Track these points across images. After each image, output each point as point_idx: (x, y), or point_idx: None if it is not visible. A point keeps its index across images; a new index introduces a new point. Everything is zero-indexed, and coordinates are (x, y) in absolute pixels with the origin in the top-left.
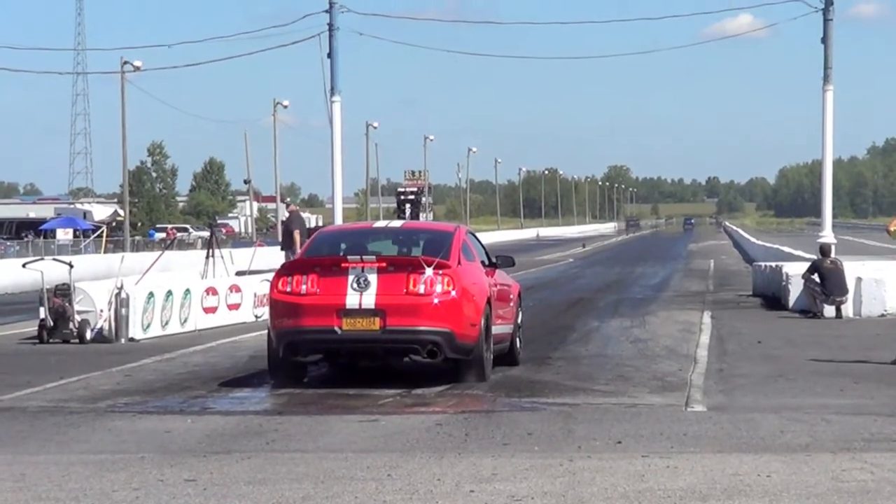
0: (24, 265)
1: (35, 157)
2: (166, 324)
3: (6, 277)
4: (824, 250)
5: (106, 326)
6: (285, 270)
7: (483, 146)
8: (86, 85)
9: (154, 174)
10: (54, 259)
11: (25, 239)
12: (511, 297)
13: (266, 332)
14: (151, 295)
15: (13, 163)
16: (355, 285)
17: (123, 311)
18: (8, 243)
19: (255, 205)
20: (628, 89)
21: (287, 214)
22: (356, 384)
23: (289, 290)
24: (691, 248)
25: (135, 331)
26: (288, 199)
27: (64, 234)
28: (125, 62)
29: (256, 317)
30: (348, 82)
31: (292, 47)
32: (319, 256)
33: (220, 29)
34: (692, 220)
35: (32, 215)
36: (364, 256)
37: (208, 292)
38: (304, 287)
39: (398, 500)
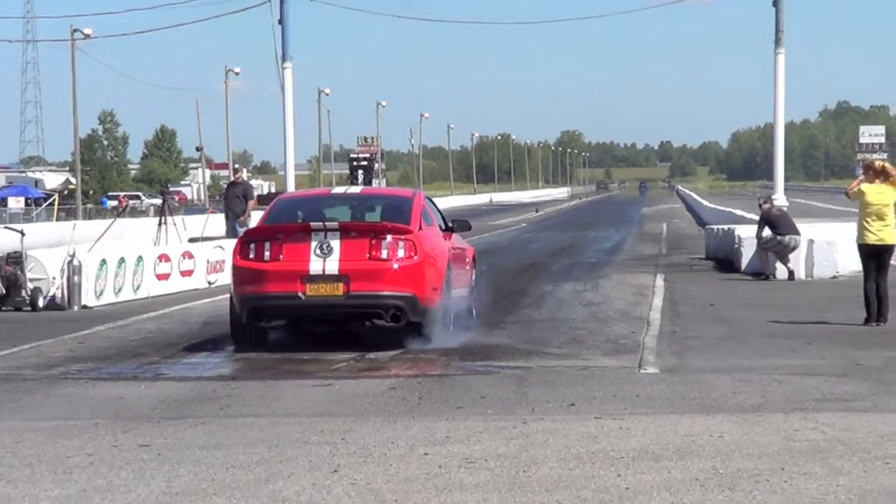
0: None
1: None
2: (119, 291)
3: None
4: (766, 202)
5: (58, 294)
6: (248, 237)
7: (435, 112)
8: (36, 53)
9: (105, 142)
10: (6, 227)
11: None
12: (466, 260)
13: (228, 297)
14: (104, 262)
15: None
16: (318, 251)
17: (76, 278)
18: None
19: (208, 172)
20: (580, 54)
21: (236, 180)
22: (310, 349)
23: (251, 256)
24: (644, 211)
25: (87, 298)
26: (237, 166)
27: (15, 203)
28: (75, 30)
29: (209, 283)
30: (300, 49)
31: (244, 14)
32: (281, 223)
33: None
34: (646, 184)
35: None
36: (327, 223)
37: (161, 259)
38: (267, 253)
39: (352, 463)
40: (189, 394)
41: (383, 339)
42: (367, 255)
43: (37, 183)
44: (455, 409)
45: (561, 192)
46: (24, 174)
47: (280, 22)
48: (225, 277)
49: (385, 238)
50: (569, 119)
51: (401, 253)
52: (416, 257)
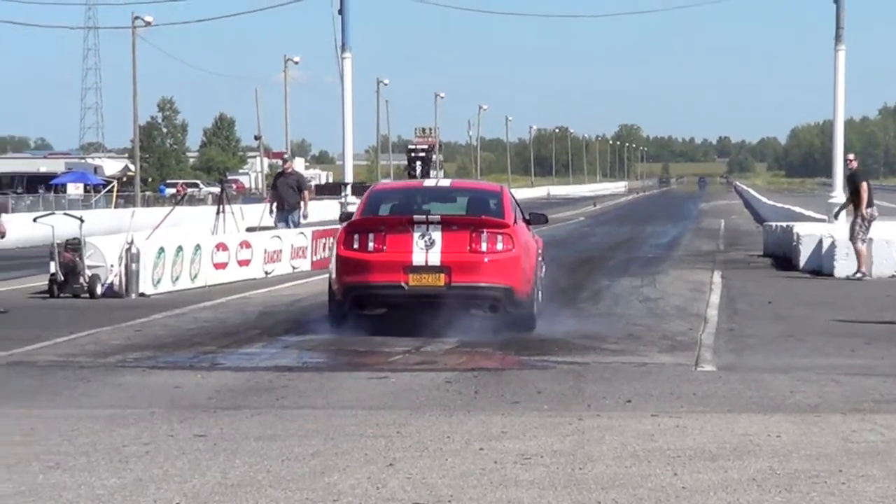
0: (35, 220)
1: (46, 111)
2: (176, 279)
3: (17, 232)
4: (854, 159)
5: (116, 281)
6: (352, 228)
7: (494, 104)
8: (97, 40)
9: (164, 130)
10: (65, 214)
11: (36, 194)
12: (539, 251)
13: (284, 286)
14: (162, 250)
15: (24, 118)
16: (421, 243)
17: (134, 266)
18: (19, 198)
19: (266, 161)
20: (640, 48)
21: (287, 170)
22: (366, 342)
23: (356, 247)
24: (702, 207)
25: (145, 286)
26: (286, 156)
27: (75, 189)
28: (136, 17)
29: (266, 273)
30: (360, 39)
31: (304, 3)
32: (383, 215)
33: None
34: (706, 179)
35: (43, 170)
36: (429, 216)
37: (219, 248)
38: (371, 244)
39: (407, 457)
40: (245, 384)
41: (439, 331)
42: (468, 248)
43: (96, 169)
44: (511, 404)
45: (618, 186)
46: (83, 161)
47: (340, 12)
48: (282, 267)
49: (484, 232)
50: (627, 113)
51: (499, 246)
52: (513, 250)
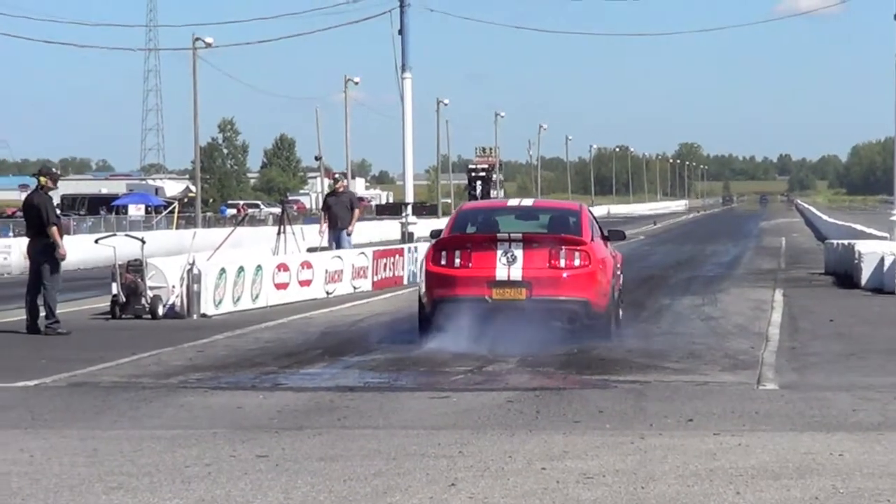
0: (96, 241)
1: (107, 133)
2: (238, 300)
3: (79, 253)
4: None
5: (178, 302)
6: (440, 245)
7: (554, 123)
8: (157, 61)
9: (225, 150)
10: (127, 235)
11: (98, 215)
12: (618, 266)
13: (346, 307)
14: (223, 271)
15: (86, 139)
16: (504, 259)
17: (195, 286)
18: (81, 219)
19: (326, 181)
20: (700, 66)
21: (339, 189)
22: (428, 361)
23: (443, 263)
24: (763, 225)
25: (206, 307)
26: (337, 175)
27: (136, 210)
28: (197, 38)
29: (328, 293)
30: (419, 58)
31: (364, 23)
32: (469, 233)
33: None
34: (767, 197)
35: (105, 191)
36: (511, 233)
37: (280, 268)
38: (457, 261)
39: (469, 476)
40: (307, 404)
41: (507, 348)
42: (548, 264)
43: (157, 191)
44: (573, 424)
45: (679, 204)
46: (144, 182)
47: (400, 32)
48: (343, 287)
49: (563, 248)
50: (687, 131)
51: (577, 262)
52: (589, 266)
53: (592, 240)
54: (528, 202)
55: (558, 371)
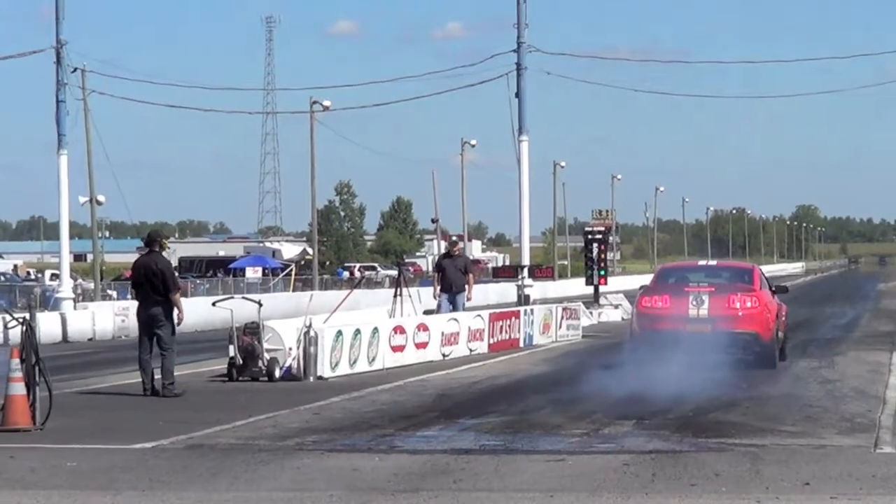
0: (213, 303)
1: (225, 196)
2: (354, 362)
3: (196, 315)
4: None
5: (294, 364)
6: (647, 293)
7: (670, 185)
8: (275, 124)
9: (342, 213)
10: (244, 297)
11: (215, 277)
12: (783, 313)
13: (461, 369)
14: (340, 333)
15: (204, 202)
16: (694, 303)
17: (312, 349)
18: (198, 281)
19: (443, 244)
20: (816, 128)
21: (455, 252)
22: (544, 424)
23: (649, 305)
24: (881, 287)
25: (323, 369)
26: (454, 238)
27: (253, 273)
28: (314, 101)
29: (444, 356)
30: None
31: (481, 86)
32: (669, 284)
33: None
34: (885, 259)
35: (222, 254)
36: (700, 285)
37: (396, 331)
38: (660, 304)
39: None
40: (423, 467)
41: (616, 412)
42: (727, 305)
43: (274, 253)
44: (689, 487)
45: (796, 266)
46: (261, 244)
47: (517, 95)
48: (459, 350)
49: (738, 294)
50: (805, 193)
51: (748, 304)
52: (758, 307)
53: (761, 289)
54: (712, 262)
55: (674, 434)
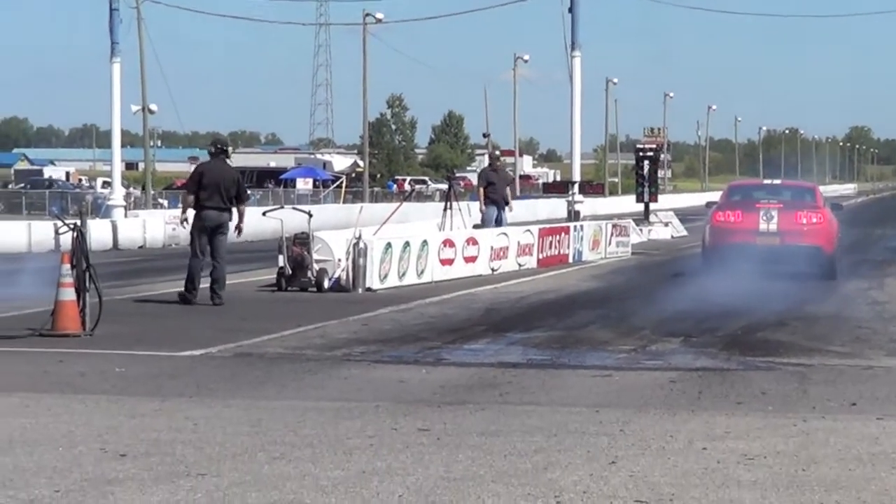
0: (264, 214)
1: (277, 107)
2: (403, 275)
3: (247, 226)
4: None
5: (343, 276)
6: (720, 208)
7: (723, 104)
8: (328, 36)
9: (394, 126)
10: (294, 208)
11: (266, 188)
12: (837, 227)
13: (509, 283)
14: (389, 246)
15: (256, 113)
16: (764, 217)
17: (361, 261)
18: (249, 192)
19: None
20: (872, 48)
21: (494, 167)
22: (591, 339)
23: (722, 219)
24: None
25: (372, 281)
26: (497, 152)
27: (304, 184)
28: (367, 14)
29: (493, 270)
30: (589, 37)
31: (534, 1)
32: (740, 200)
33: None
34: None
35: (273, 165)
36: (770, 201)
37: (445, 244)
38: (732, 218)
39: (630, 455)
40: (469, 380)
41: (671, 329)
42: (794, 221)
43: (325, 165)
44: (735, 405)
45: (847, 188)
46: (313, 156)
47: (570, 10)
48: (508, 264)
49: (805, 210)
50: (859, 114)
51: (814, 220)
52: (823, 223)
53: (823, 206)
54: (777, 181)
55: (722, 352)
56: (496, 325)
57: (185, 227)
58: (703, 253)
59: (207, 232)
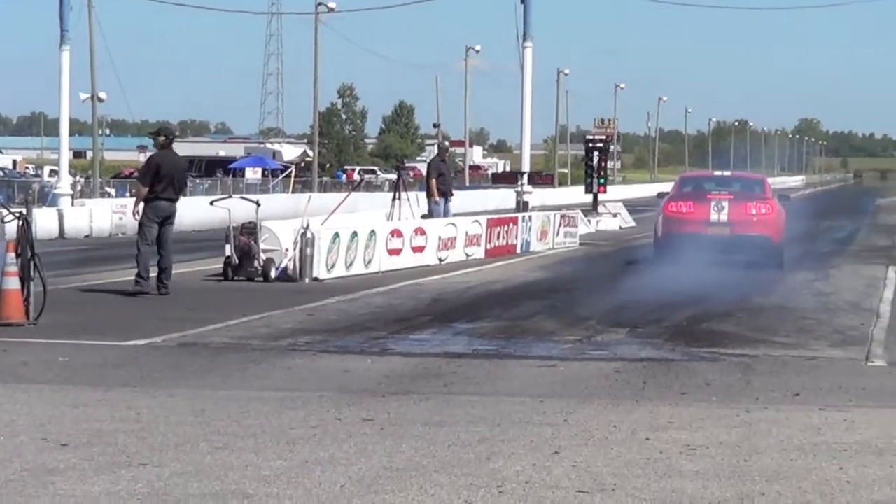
0: (211, 202)
1: (227, 96)
2: (350, 264)
3: (194, 214)
4: None
5: (290, 265)
6: (672, 198)
7: (673, 96)
8: (280, 25)
9: (344, 116)
10: (242, 197)
11: (215, 177)
12: (784, 217)
13: (457, 274)
14: (337, 235)
15: (205, 102)
16: (715, 208)
17: (308, 250)
18: (197, 181)
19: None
20: (820, 41)
21: (444, 158)
22: (537, 330)
23: (674, 210)
24: (879, 202)
25: (319, 270)
26: (446, 143)
27: (253, 174)
28: (319, 3)
29: (440, 260)
30: (541, 28)
31: None
32: (692, 191)
33: None
34: (887, 174)
35: (222, 154)
36: (721, 193)
37: (393, 234)
38: (684, 209)
39: (573, 445)
40: (414, 369)
41: (617, 319)
42: (744, 212)
43: (274, 154)
44: (679, 395)
45: (796, 180)
46: (262, 145)
47: (522, 1)
48: (455, 255)
49: (754, 202)
50: (807, 107)
51: (763, 211)
52: (771, 214)
53: (772, 197)
54: (726, 172)
55: (667, 343)
56: (442, 316)
57: (136, 219)
58: (655, 242)
59: (160, 223)
